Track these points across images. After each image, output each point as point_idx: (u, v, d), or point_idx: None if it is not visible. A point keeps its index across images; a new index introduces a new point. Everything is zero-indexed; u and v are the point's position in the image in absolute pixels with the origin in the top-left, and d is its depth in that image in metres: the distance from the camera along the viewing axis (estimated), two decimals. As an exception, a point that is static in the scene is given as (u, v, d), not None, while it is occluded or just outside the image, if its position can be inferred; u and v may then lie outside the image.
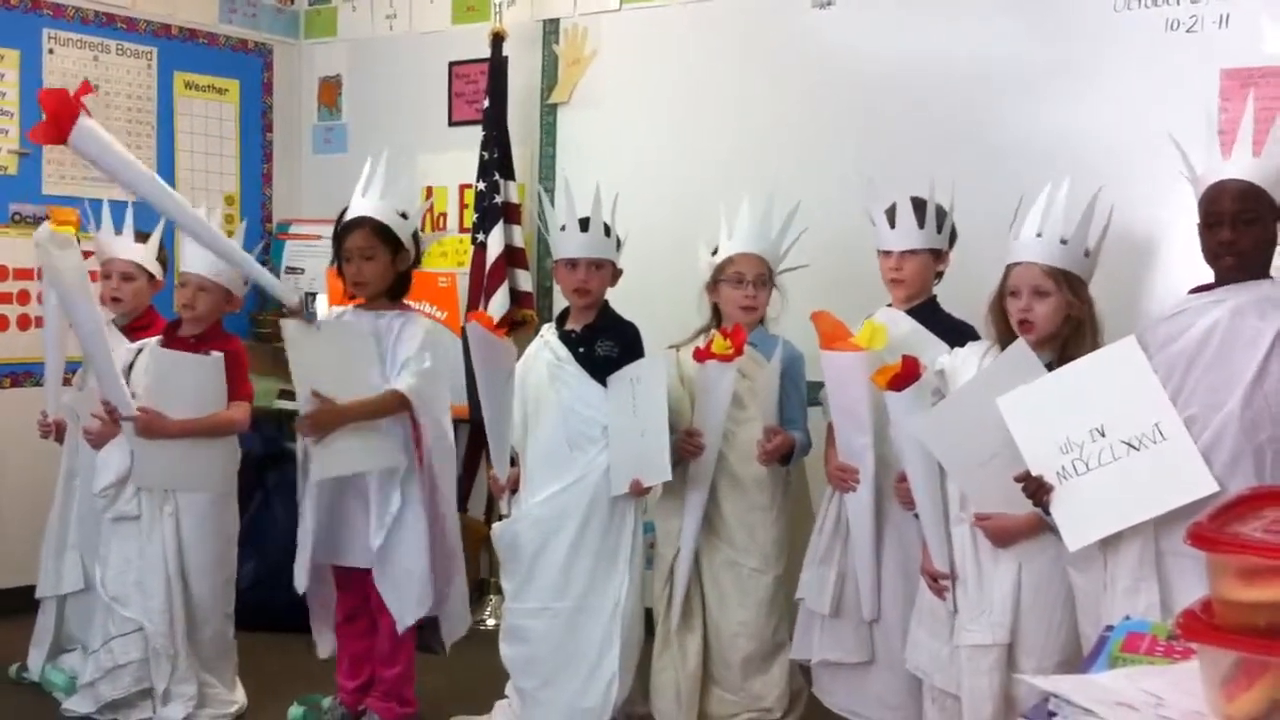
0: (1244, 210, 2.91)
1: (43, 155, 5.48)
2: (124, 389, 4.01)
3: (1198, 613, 1.44)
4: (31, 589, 4.56)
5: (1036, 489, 3.00)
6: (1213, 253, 2.98)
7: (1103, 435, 2.93)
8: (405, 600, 3.89)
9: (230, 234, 4.09)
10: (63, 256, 3.96)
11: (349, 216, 3.89)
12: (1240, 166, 2.94)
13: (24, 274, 5.31)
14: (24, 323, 5.41)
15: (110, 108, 5.69)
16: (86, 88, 3.52)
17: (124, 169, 3.47)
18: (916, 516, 3.37)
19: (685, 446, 3.77)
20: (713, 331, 3.79)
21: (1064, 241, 3.15)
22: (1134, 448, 2.89)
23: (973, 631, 3.20)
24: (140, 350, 4.19)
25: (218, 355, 4.05)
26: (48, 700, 4.36)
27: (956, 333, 3.57)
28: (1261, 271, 2.95)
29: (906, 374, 3.26)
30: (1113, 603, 2.89)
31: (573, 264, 3.89)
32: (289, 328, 3.79)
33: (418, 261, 4.07)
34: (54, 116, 3.29)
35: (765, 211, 3.86)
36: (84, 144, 3.35)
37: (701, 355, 3.69)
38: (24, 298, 5.39)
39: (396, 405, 3.82)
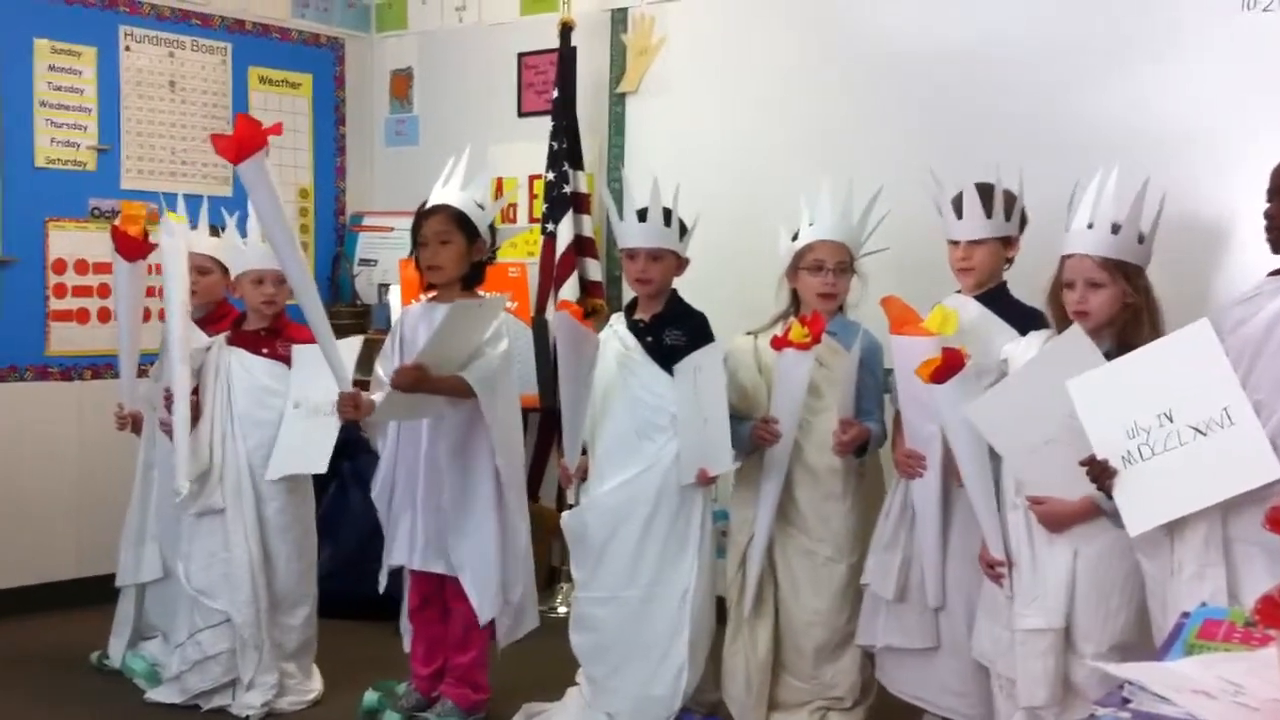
0: None
1: (121, 150, 5.57)
2: None
3: (1277, 598, 1.42)
4: (112, 578, 4.65)
5: (1100, 473, 2.96)
6: (1268, 232, 2.94)
7: (1170, 420, 2.88)
8: (485, 593, 3.94)
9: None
10: (172, 242, 4.16)
11: (428, 205, 3.95)
12: None
13: (103, 268, 5.36)
14: (104, 316, 5.50)
15: (186, 103, 5.78)
16: (278, 129, 3.68)
17: (270, 216, 3.64)
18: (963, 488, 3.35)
19: (761, 434, 3.76)
20: (791, 319, 3.76)
21: (1115, 230, 3.12)
22: (1201, 433, 2.84)
23: (1027, 616, 3.18)
24: (209, 348, 4.26)
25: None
26: (129, 687, 4.43)
27: (1026, 319, 3.53)
28: None
29: (948, 366, 3.23)
30: (1178, 588, 2.85)
31: (632, 254, 3.91)
32: (456, 310, 3.79)
33: (493, 256, 4.09)
34: (240, 139, 3.46)
35: (846, 198, 3.83)
36: (250, 175, 3.55)
37: (779, 343, 3.68)
38: (104, 291, 5.47)
39: (468, 391, 3.86)
